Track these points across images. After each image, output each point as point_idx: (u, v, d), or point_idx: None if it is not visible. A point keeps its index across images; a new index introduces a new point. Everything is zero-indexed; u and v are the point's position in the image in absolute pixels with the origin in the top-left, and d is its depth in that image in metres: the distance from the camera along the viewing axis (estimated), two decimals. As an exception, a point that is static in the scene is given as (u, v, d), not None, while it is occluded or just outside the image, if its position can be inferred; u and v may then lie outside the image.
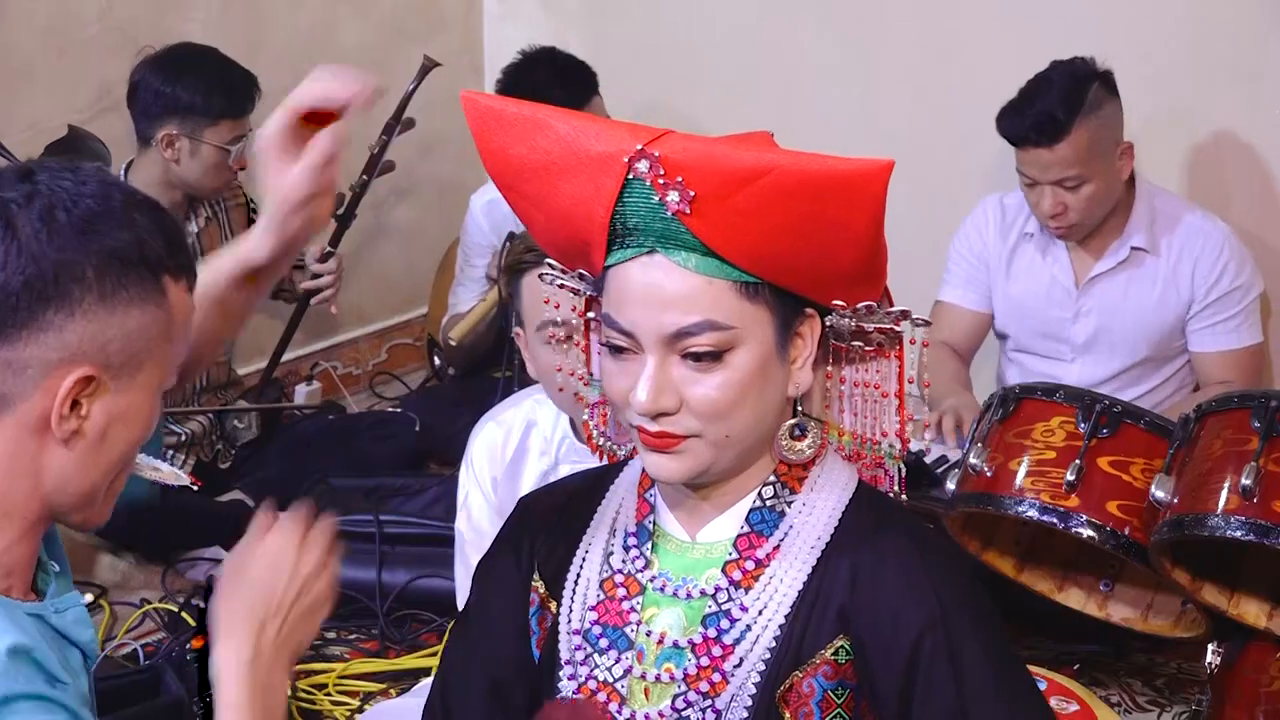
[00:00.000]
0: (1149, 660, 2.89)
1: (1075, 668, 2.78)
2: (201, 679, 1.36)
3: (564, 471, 2.30)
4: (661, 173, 1.30)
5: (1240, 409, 2.34)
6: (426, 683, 2.55)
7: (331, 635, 3.03)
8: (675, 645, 1.41)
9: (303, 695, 2.77)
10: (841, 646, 1.38)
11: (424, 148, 4.13)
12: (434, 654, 2.89)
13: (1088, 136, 2.87)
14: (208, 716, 1.32)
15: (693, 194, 1.30)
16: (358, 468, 3.48)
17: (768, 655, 1.38)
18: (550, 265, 1.48)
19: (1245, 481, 2.21)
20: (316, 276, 3.58)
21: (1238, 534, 2.23)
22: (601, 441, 1.54)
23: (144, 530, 3.20)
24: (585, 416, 1.54)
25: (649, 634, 1.43)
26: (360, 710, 2.73)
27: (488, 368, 3.60)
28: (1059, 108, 2.86)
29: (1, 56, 3.39)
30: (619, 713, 1.42)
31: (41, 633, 1.29)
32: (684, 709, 1.39)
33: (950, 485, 2.59)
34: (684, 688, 1.39)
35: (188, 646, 2.76)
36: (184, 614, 2.93)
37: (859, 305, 1.38)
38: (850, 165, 1.30)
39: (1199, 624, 2.54)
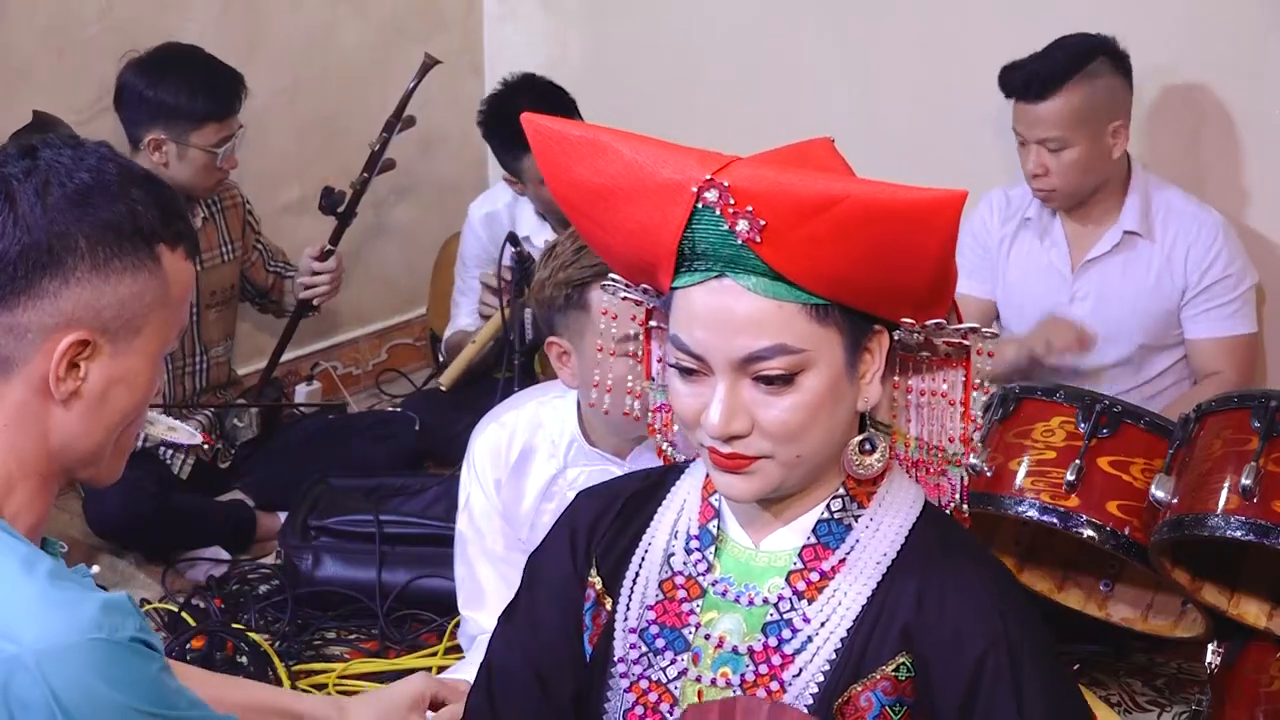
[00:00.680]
0: (1149, 660, 2.89)
1: (1075, 668, 2.78)
2: None
3: (572, 475, 2.30)
4: (731, 202, 1.29)
5: (1240, 409, 2.34)
6: (427, 683, 2.55)
7: (331, 635, 3.03)
8: (734, 650, 1.42)
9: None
10: (903, 663, 1.38)
11: (424, 146, 4.13)
12: (434, 654, 2.89)
13: (1076, 101, 2.93)
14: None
15: (763, 223, 1.29)
16: (358, 468, 3.48)
17: (827, 667, 1.38)
18: (614, 278, 1.48)
19: (1245, 481, 2.22)
20: (316, 275, 3.58)
21: (1238, 534, 2.23)
22: (666, 447, 1.56)
23: (144, 530, 3.20)
24: (649, 421, 1.55)
25: (707, 637, 1.43)
26: (360, 710, 2.73)
27: (488, 369, 3.60)
28: (1054, 67, 2.93)
29: (1, 56, 3.39)
30: (670, 714, 1.43)
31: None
32: None
33: (950, 485, 2.59)
34: (740, 693, 1.40)
35: (188, 646, 2.77)
36: (184, 614, 2.92)
37: (928, 323, 1.39)
38: (923, 195, 1.29)
39: (1199, 624, 2.54)
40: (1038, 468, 2.46)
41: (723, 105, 3.93)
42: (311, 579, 3.08)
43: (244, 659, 2.76)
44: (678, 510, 1.51)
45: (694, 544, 1.47)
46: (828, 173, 1.34)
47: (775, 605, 1.41)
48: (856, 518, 1.42)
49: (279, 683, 2.74)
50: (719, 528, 1.47)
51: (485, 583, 2.40)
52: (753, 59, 3.90)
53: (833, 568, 1.41)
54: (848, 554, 1.41)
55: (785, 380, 1.33)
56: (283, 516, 3.32)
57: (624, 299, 1.48)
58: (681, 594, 1.46)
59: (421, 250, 4.26)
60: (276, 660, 2.78)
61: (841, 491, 1.43)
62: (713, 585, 1.45)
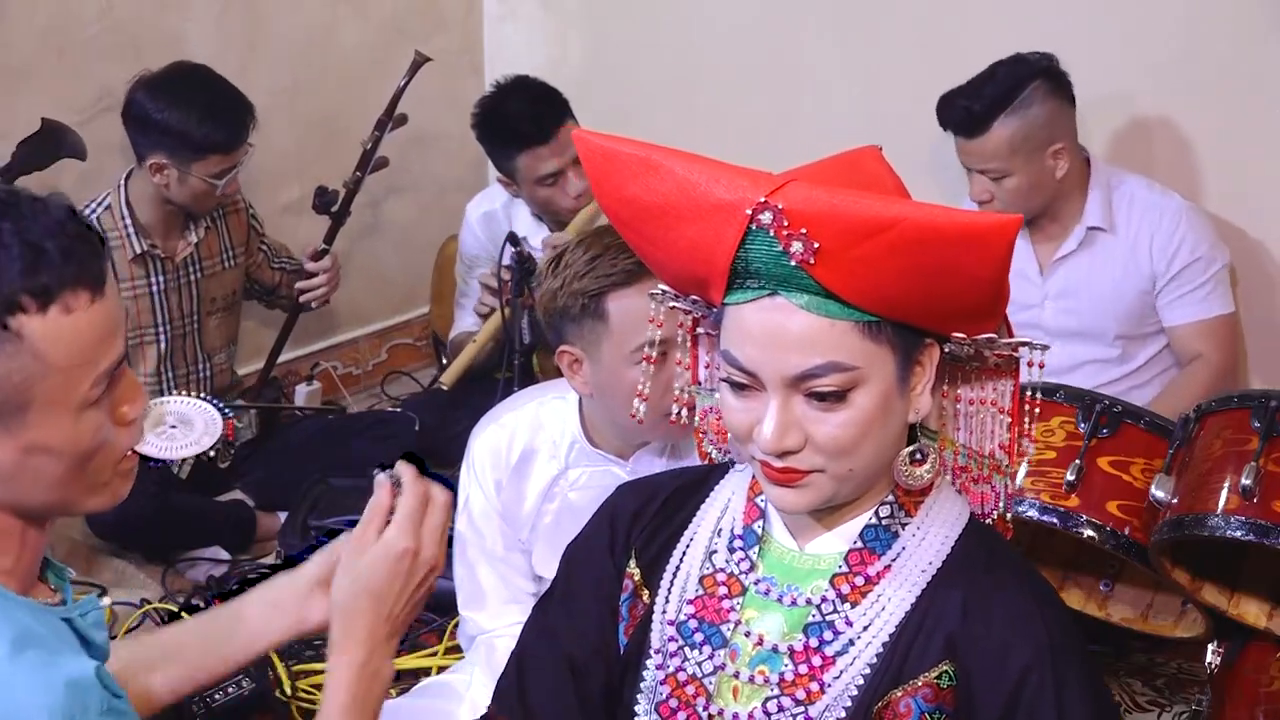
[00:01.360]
0: (1149, 660, 2.89)
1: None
2: None
3: (573, 476, 2.31)
4: (785, 224, 1.30)
5: (1240, 409, 2.34)
6: (428, 682, 2.55)
7: (331, 635, 3.02)
8: (774, 649, 1.42)
9: (303, 695, 2.77)
10: (946, 671, 1.38)
11: (424, 147, 4.13)
12: (434, 654, 2.89)
13: (1008, 134, 2.97)
14: (210, 717, 1.32)
15: (817, 245, 1.29)
16: (358, 468, 3.47)
17: (868, 670, 1.39)
18: (662, 288, 1.48)
19: (1245, 481, 2.21)
20: (312, 275, 3.58)
21: (1238, 534, 2.23)
22: (711, 451, 1.56)
23: (144, 530, 3.20)
24: (696, 424, 1.56)
25: (747, 634, 1.44)
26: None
27: (488, 370, 3.60)
28: (982, 104, 2.97)
29: (1, 56, 3.39)
30: (705, 709, 1.44)
31: (65, 634, 1.31)
32: (775, 713, 1.40)
33: (950, 485, 2.59)
34: (777, 691, 1.40)
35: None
36: (184, 614, 2.92)
37: (979, 337, 1.39)
38: (977, 219, 1.29)
39: (1199, 624, 2.54)
40: (1038, 468, 2.46)
41: (723, 105, 3.93)
42: (311, 579, 3.08)
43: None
44: (722, 508, 1.52)
45: (737, 543, 1.49)
46: (881, 193, 1.34)
47: (818, 606, 1.42)
48: (904, 525, 1.43)
49: (279, 682, 2.74)
50: (764, 529, 1.48)
51: (485, 583, 2.40)
52: (753, 59, 3.90)
53: (878, 573, 1.42)
54: (894, 560, 1.42)
55: (838, 397, 1.34)
56: (283, 516, 3.32)
57: (672, 308, 1.49)
58: (722, 590, 1.47)
59: (422, 250, 4.26)
60: (276, 660, 2.78)
61: (890, 499, 1.44)
62: (755, 584, 1.46)
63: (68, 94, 3.49)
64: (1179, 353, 3.12)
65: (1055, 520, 2.42)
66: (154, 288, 3.33)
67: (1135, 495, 2.41)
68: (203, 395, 2.62)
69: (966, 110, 2.98)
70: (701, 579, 1.49)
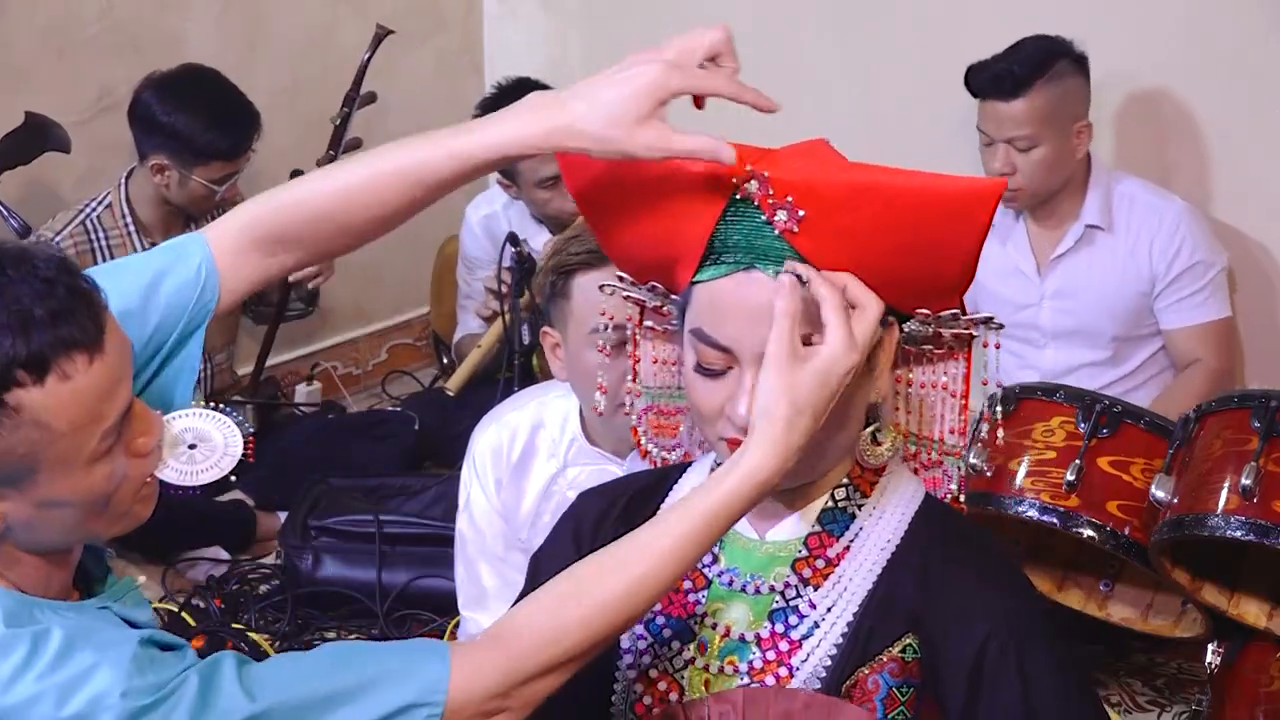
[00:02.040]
0: (1149, 660, 2.89)
1: (1075, 668, 2.78)
2: None
3: (572, 475, 2.30)
4: (771, 193, 1.30)
5: (1240, 409, 2.34)
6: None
7: (332, 635, 3.03)
8: (741, 639, 1.43)
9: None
10: (909, 645, 1.39)
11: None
12: (434, 654, 2.89)
13: (1045, 100, 2.95)
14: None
15: (801, 214, 1.30)
16: (358, 468, 3.48)
17: (834, 651, 1.39)
18: (620, 277, 1.48)
19: (1245, 481, 2.21)
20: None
21: (1238, 534, 2.22)
22: (650, 448, 1.56)
23: (144, 530, 3.19)
24: (634, 423, 1.56)
25: (714, 627, 1.44)
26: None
27: (491, 372, 3.60)
28: (1022, 66, 2.96)
29: (1, 56, 3.39)
30: (679, 702, 1.44)
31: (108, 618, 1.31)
32: None
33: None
34: (748, 680, 1.41)
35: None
36: (184, 614, 2.92)
37: (943, 313, 1.39)
38: (962, 185, 1.30)
39: (1199, 624, 2.53)
40: (1038, 468, 2.46)
41: (722, 105, 3.92)
42: (311, 579, 3.08)
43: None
44: None
45: None
46: (864, 165, 1.35)
47: (781, 593, 1.42)
48: (860, 507, 1.43)
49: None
50: None
51: (486, 583, 2.40)
52: (752, 59, 3.87)
53: (838, 555, 1.42)
54: (852, 541, 1.42)
55: None
56: (283, 516, 3.32)
57: (625, 298, 1.48)
58: (687, 585, 1.46)
59: (422, 250, 4.26)
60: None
61: (845, 481, 1.44)
62: (719, 576, 1.46)
63: (68, 94, 3.49)
64: (1176, 357, 3.12)
65: (1055, 520, 2.42)
66: (154, 287, 3.33)
67: (1135, 495, 2.41)
68: (216, 405, 2.59)
69: (1009, 71, 2.95)
70: None
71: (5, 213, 3.17)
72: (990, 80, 2.98)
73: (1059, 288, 3.13)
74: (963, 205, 1.29)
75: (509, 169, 3.44)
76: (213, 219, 3.51)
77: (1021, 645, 1.37)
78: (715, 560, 1.47)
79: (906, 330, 1.41)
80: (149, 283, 1.38)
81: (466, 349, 3.57)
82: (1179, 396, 2.94)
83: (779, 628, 1.41)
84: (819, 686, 1.38)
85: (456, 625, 2.63)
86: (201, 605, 3.02)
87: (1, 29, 3.38)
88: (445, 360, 4.04)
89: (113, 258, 3.22)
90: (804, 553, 1.42)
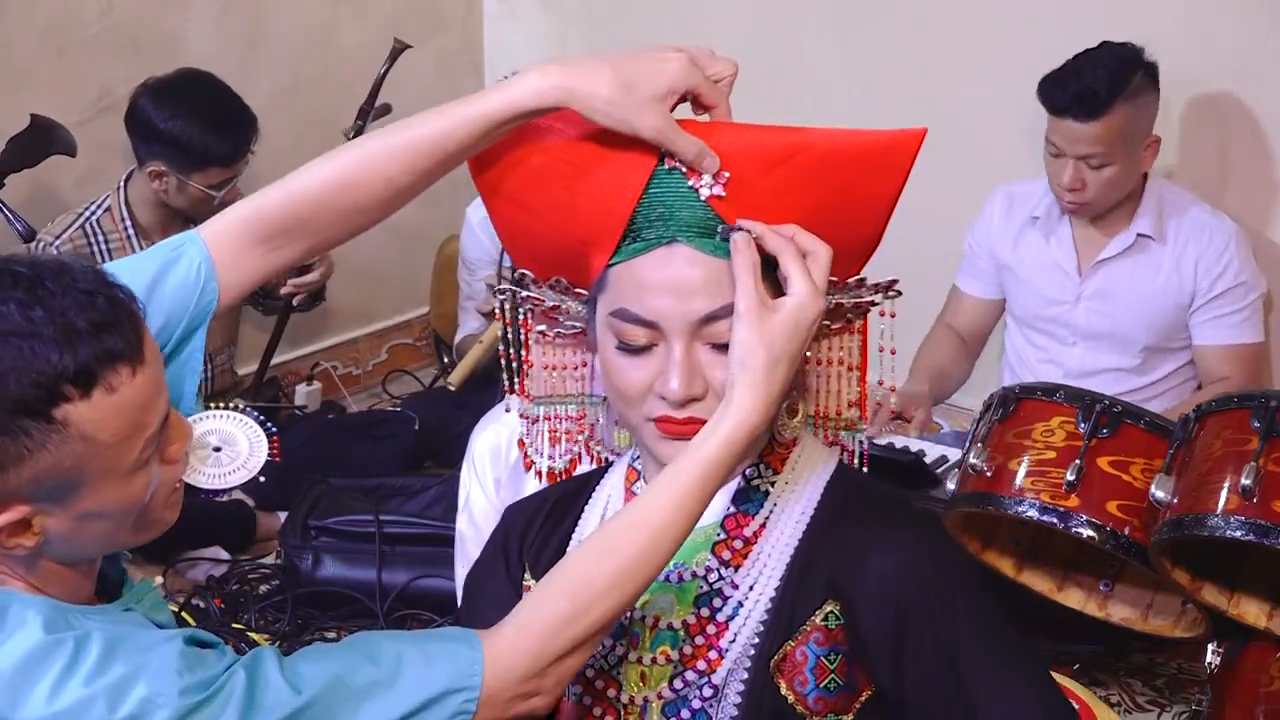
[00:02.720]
0: (1149, 660, 2.89)
1: (1075, 668, 2.78)
2: None
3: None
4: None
5: (1240, 409, 2.33)
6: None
7: (332, 635, 3.03)
8: (669, 628, 1.43)
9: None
10: (831, 612, 1.39)
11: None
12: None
13: (1122, 120, 2.91)
14: None
15: (728, 175, 1.32)
16: (358, 468, 3.48)
17: (761, 629, 1.40)
18: (520, 277, 1.47)
19: (1245, 481, 2.21)
20: (304, 272, 3.58)
21: (1238, 534, 2.22)
22: (536, 458, 1.55)
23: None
24: (520, 434, 1.55)
25: (642, 619, 1.45)
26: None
27: (492, 370, 3.60)
28: (1103, 85, 2.90)
29: (2, 56, 3.39)
30: (617, 698, 1.44)
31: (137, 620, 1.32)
32: (682, 689, 1.41)
33: (950, 485, 2.59)
34: (680, 668, 1.41)
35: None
36: (184, 614, 2.92)
37: (850, 280, 1.41)
38: (885, 135, 1.34)
39: (1199, 624, 2.53)
40: (1038, 468, 2.45)
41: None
42: (311, 579, 3.09)
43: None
44: (603, 506, 1.52)
45: None
46: (786, 126, 1.36)
47: (704, 578, 1.43)
48: (773, 482, 1.44)
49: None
50: None
51: (485, 583, 2.40)
52: (752, 59, 3.87)
53: (755, 533, 1.43)
54: (768, 517, 1.43)
55: None
56: (283, 516, 3.32)
57: (526, 297, 1.47)
58: None
59: (422, 250, 4.26)
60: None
61: (756, 459, 1.45)
62: None
63: (68, 94, 3.49)
64: (1205, 373, 3.11)
65: (1055, 520, 2.41)
66: (155, 289, 3.33)
67: (1135, 495, 2.41)
68: (238, 406, 2.57)
69: (1092, 91, 2.89)
70: None
71: (10, 217, 3.17)
72: (1074, 100, 2.90)
73: (1099, 289, 3.13)
74: (886, 156, 1.33)
75: None
76: (216, 212, 3.51)
77: (940, 597, 1.37)
78: None
79: None
80: (149, 284, 1.37)
81: (468, 349, 3.57)
82: None
83: (705, 612, 1.42)
84: (749, 665, 1.39)
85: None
86: (201, 605, 3.02)
87: (1, 29, 3.38)
88: (445, 360, 4.05)
89: (112, 261, 3.22)
90: (722, 535, 1.43)
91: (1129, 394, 3.04)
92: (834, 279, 1.38)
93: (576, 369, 1.52)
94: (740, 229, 1.32)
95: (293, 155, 4.27)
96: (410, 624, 3.00)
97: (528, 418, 1.53)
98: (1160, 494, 2.32)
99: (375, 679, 1.25)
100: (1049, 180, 3.06)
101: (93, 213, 3.28)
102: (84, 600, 1.32)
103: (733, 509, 1.44)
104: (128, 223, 3.28)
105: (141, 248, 3.27)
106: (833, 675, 1.39)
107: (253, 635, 2.86)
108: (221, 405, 2.64)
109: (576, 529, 1.53)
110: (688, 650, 1.41)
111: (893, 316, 1.45)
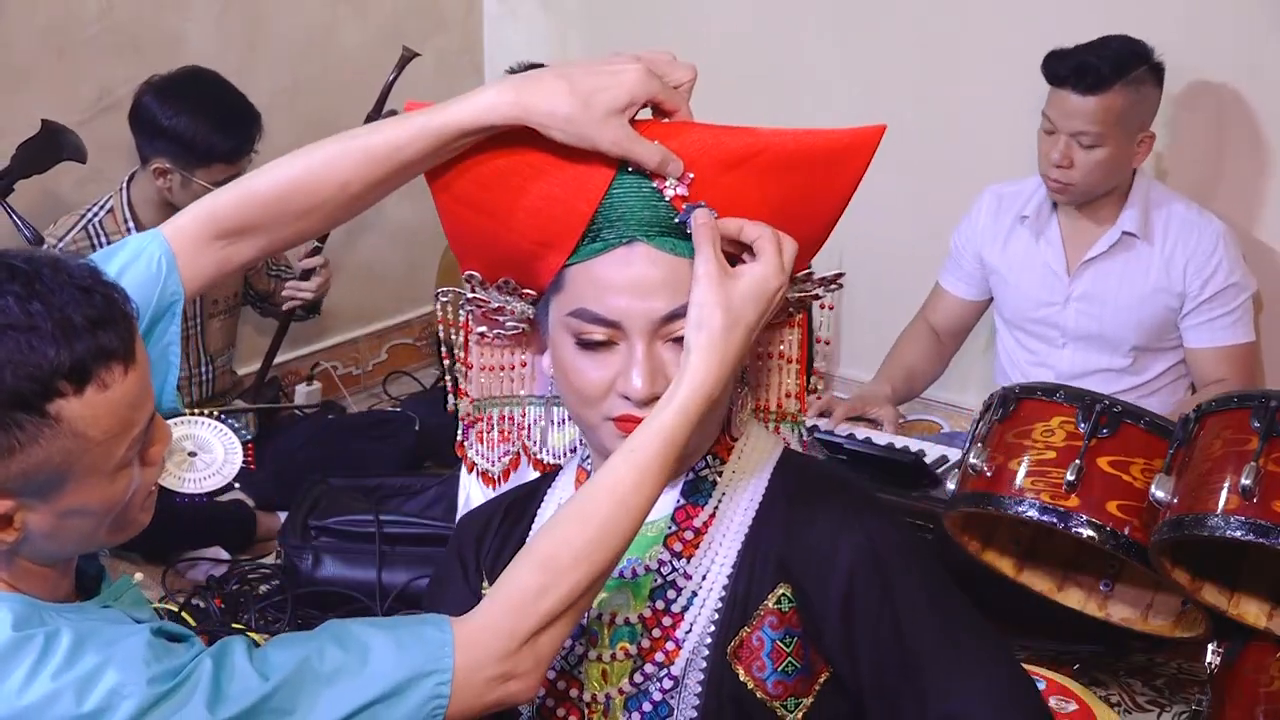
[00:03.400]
0: (1149, 660, 2.89)
1: (1075, 668, 2.78)
2: None
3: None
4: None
5: (1240, 409, 2.33)
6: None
7: (331, 635, 3.03)
8: (626, 623, 1.44)
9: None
10: (783, 595, 1.40)
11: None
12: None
13: (1121, 102, 2.93)
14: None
15: (691, 176, 1.33)
16: (358, 468, 3.48)
17: (716, 616, 1.41)
18: (468, 279, 1.47)
19: (1245, 481, 2.21)
20: (306, 274, 3.58)
21: (1238, 534, 2.22)
22: (478, 461, 1.55)
23: (144, 530, 3.20)
24: (459, 437, 1.55)
25: (599, 617, 1.46)
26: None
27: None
28: (1106, 63, 2.92)
29: (2, 56, 3.39)
30: (580, 698, 1.45)
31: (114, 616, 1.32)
32: (642, 682, 1.42)
33: (950, 485, 2.60)
34: (640, 662, 1.42)
35: (188, 646, 2.77)
36: (184, 614, 2.92)
37: (798, 273, 1.42)
38: (845, 135, 1.35)
39: (1199, 624, 2.53)
40: (1037, 468, 2.45)
41: (722, 105, 3.90)
42: (311, 579, 3.08)
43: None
44: (555, 508, 1.53)
45: None
46: (746, 127, 1.37)
47: (658, 571, 1.43)
48: (720, 473, 1.46)
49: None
50: None
51: (485, 583, 2.40)
52: (753, 59, 3.90)
53: (704, 523, 1.44)
54: (717, 506, 1.44)
55: None
56: (283, 516, 3.33)
57: (470, 299, 1.47)
58: None
59: (422, 250, 4.26)
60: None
61: (706, 450, 1.46)
62: None
63: (68, 94, 3.49)
64: (1198, 375, 3.12)
65: (1055, 520, 2.41)
66: (156, 289, 3.34)
67: (1135, 495, 2.41)
68: (213, 413, 2.59)
69: (1094, 65, 2.92)
70: None
71: (19, 223, 3.17)
72: (1073, 70, 2.93)
73: (1087, 291, 3.13)
74: (845, 154, 1.35)
75: None
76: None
77: (888, 578, 1.38)
78: None
79: None
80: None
81: None
82: None
83: (660, 605, 1.43)
84: (707, 654, 1.40)
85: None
86: (201, 605, 3.02)
87: (1, 29, 3.38)
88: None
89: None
90: (673, 528, 1.44)
91: (1121, 394, 3.04)
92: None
93: (515, 369, 1.53)
94: (702, 206, 1.33)
95: (293, 155, 4.22)
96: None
97: (467, 419, 1.54)
98: (1160, 494, 2.32)
99: (342, 664, 1.25)
100: (1039, 162, 3.07)
101: (95, 214, 3.28)
102: (62, 598, 1.33)
103: (683, 501, 1.45)
104: (130, 224, 3.28)
105: (143, 248, 3.27)
106: (790, 658, 1.40)
107: (253, 635, 2.86)
108: (197, 411, 2.66)
109: (531, 531, 1.54)
110: (646, 644, 1.42)
111: (830, 308, 1.48)
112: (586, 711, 1.45)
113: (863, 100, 3.76)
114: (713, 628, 1.41)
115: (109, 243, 3.28)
